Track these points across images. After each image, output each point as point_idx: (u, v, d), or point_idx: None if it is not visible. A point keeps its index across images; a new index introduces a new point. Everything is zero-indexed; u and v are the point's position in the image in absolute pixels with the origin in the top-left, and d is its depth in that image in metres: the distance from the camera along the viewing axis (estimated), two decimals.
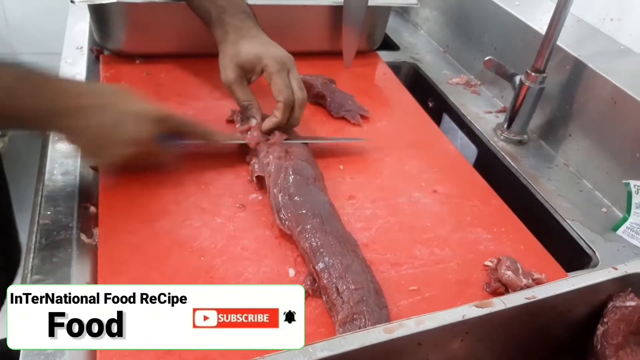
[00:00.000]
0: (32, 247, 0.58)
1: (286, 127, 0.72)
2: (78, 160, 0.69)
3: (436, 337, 0.44)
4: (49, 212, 0.62)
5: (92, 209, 0.63)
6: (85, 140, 0.60)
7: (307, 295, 0.55)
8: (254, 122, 0.72)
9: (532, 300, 0.46)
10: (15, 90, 0.54)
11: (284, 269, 0.58)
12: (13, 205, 1.84)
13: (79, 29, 0.98)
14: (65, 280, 0.54)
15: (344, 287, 0.53)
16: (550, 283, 0.49)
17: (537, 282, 0.58)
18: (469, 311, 0.44)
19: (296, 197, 0.62)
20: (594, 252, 0.69)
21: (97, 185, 0.66)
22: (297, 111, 0.71)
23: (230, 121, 0.78)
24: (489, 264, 0.61)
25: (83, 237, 0.59)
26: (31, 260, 0.56)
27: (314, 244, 0.57)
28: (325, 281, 0.54)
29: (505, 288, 0.58)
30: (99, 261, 0.56)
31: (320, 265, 0.55)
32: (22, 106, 0.55)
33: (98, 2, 0.83)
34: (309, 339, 0.50)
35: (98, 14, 0.87)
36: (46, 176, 0.67)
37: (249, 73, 0.73)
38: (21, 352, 0.47)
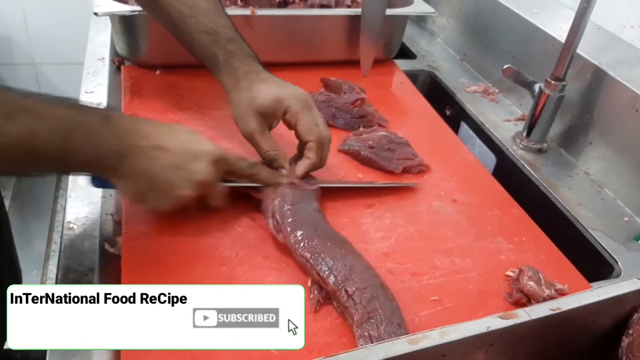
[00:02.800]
0: (57, 255, 0.58)
1: (318, 167, 0.68)
2: None
3: (460, 348, 0.44)
4: (73, 221, 0.63)
5: (116, 218, 0.64)
6: (143, 184, 0.56)
7: (319, 304, 0.55)
8: (283, 172, 0.66)
9: (557, 311, 0.46)
10: (72, 131, 0.50)
11: (305, 277, 0.58)
12: (29, 212, 1.86)
13: (100, 40, 1.00)
14: None
15: (353, 288, 0.54)
16: (575, 294, 0.48)
17: (560, 293, 0.58)
18: (494, 322, 0.43)
19: (288, 206, 0.62)
20: (616, 262, 0.68)
21: (120, 195, 0.66)
22: (326, 150, 0.68)
23: None
24: (511, 274, 0.61)
25: (107, 246, 0.60)
26: (49, 267, 0.57)
27: (312, 249, 0.57)
28: (332, 286, 0.54)
29: (527, 299, 0.58)
30: (122, 270, 0.57)
31: (325, 270, 0.55)
32: (79, 148, 0.50)
33: (120, 14, 0.84)
34: (330, 349, 0.50)
35: (120, 25, 0.88)
36: (69, 185, 0.68)
37: (270, 119, 0.67)
38: (47, 353, 0.48)
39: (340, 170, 0.75)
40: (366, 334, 0.51)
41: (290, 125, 0.67)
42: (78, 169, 0.56)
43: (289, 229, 0.60)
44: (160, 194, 0.57)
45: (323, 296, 0.56)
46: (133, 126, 0.55)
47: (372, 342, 0.50)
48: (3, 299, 0.67)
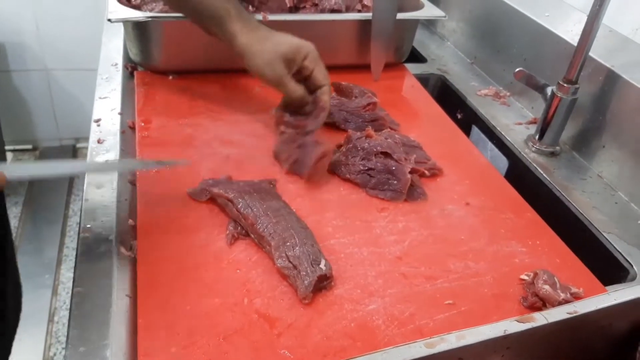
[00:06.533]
0: (69, 259, 0.59)
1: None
2: (116, 174, 0.71)
3: (477, 352, 0.44)
4: (89, 226, 0.63)
5: (131, 222, 0.64)
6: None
7: (234, 238, 0.61)
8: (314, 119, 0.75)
9: (574, 315, 0.46)
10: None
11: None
12: (41, 217, 1.88)
13: (113, 46, 1.01)
14: (107, 291, 0.55)
15: (267, 222, 0.61)
16: (592, 297, 0.48)
17: (575, 297, 0.57)
18: (510, 326, 0.43)
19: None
20: (631, 265, 0.68)
21: (135, 199, 0.67)
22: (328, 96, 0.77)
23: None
24: (525, 277, 0.60)
25: (122, 249, 0.61)
26: (61, 271, 0.57)
27: (237, 194, 0.65)
28: (251, 219, 0.61)
29: (542, 302, 0.57)
30: (139, 274, 0.57)
31: (242, 206, 0.62)
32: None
33: (134, 20, 0.85)
34: (346, 353, 0.50)
35: (133, 31, 0.89)
36: (85, 189, 0.68)
37: (292, 63, 0.74)
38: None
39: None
40: (284, 255, 0.58)
41: (304, 71, 0.75)
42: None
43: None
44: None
45: (239, 231, 0.62)
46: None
47: (289, 262, 0.57)
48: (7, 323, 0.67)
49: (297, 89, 0.74)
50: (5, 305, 0.69)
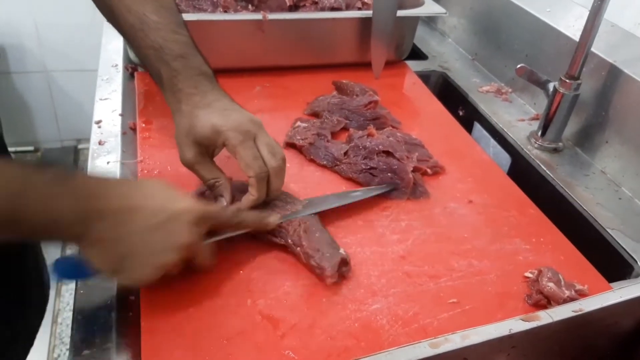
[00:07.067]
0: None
1: (268, 199, 0.64)
2: (117, 176, 0.71)
3: (482, 351, 0.44)
4: None
5: None
6: (115, 252, 0.49)
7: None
8: (223, 201, 0.63)
9: (580, 313, 0.46)
10: (22, 193, 0.44)
11: (322, 281, 0.58)
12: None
13: (113, 47, 1.00)
14: (110, 294, 0.55)
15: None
16: (597, 295, 0.48)
17: (580, 294, 0.57)
18: (516, 325, 0.43)
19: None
20: (636, 262, 0.67)
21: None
22: (275, 182, 0.62)
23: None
24: (530, 275, 0.60)
25: None
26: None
27: None
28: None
29: (547, 300, 0.57)
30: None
31: None
32: (32, 211, 0.44)
33: None
34: (350, 353, 0.50)
35: None
36: None
37: (210, 148, 0.64)
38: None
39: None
40: (306, 239, 0.59)
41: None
42: (35, 235, 0.51)
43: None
44: (137, 262, 0.50)
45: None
46: (96, 189, 0.49)
47: (314, 244, 0.58)
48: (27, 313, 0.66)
49: (206, 178, 0.63)
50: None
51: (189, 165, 0.63)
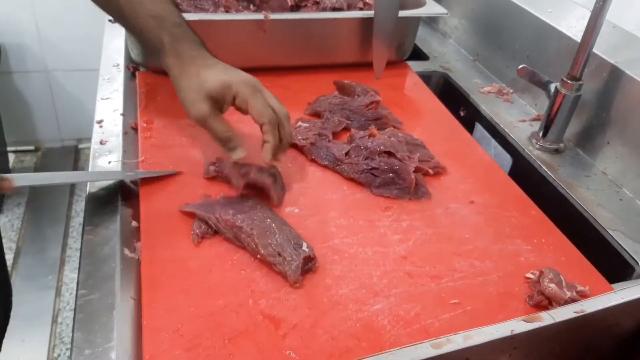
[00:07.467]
0: (73, 260, 0.59)
1: (282, 146, 0.69)
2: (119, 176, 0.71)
3: (484, 352, 0.44)
4: (92, 227, 0.63)
5: (134, 223, 0.64)
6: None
7: (199, 238, 0.61)
8: (240, 152, 0.68)
9: (581, 314, 0.46)
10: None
11: (323, 281, 0.58)
12: (44, 218, 1.88)
13: (114, 47, 1.00)
14: (111, 293, 0.55)
15: (243, 216, 0.62)
16: (599, 296, 0.48)
17: (582, 295, 0.57)
18: (517, 326, 0.43)
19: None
20: (637, 263, 0.67)
21: (138, 200, 0.67)
22: (287, 126, 0.68)
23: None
24: (531, 276, 0.60)
25: (126, 251, 0.60)
26: (64, 272, 0.56)
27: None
28: (230, 218, 0.62)
29: (548, 301, 0.57)
30: (143, 276, 0.57)
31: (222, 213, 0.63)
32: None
33: None
34: (351, 354, 0.50)
35: None
36: (87, 191, 0.68)
37: (220, 103, 0.67)
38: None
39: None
40: (266, 244, 0.59)
41: (242, 111, 0.68)
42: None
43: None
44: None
45: (203, 231, 0.62)
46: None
47: (273, 249, 0.58)
48: None
49: (220, 131, 0.67)
50: None
51: (203, 120, 0.67)
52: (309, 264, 0.59)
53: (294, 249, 0.58)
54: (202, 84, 0.66)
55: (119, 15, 0.71)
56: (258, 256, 0.59)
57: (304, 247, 0.59)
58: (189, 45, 0.69)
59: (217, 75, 0.67)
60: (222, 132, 0.67)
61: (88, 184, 0.69)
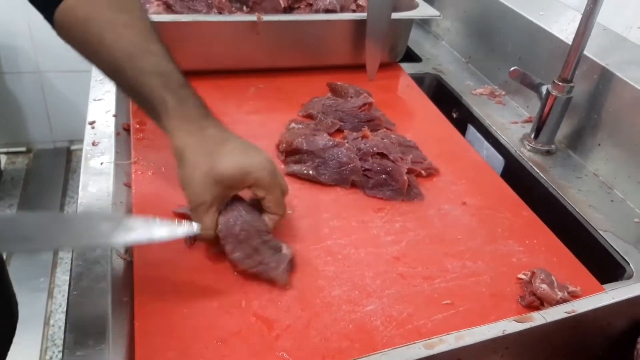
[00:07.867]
0: (65, 262, 0.58)
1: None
2: (111, 177, 0.70)
3: (476, 352, 0.44)
4: None
5: None
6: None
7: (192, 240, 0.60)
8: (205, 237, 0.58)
9: (573, 314, 0.46)
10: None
11: (316, 282, 0.58)
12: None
13: None
14: (104, 295, 0.55)
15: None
16: (590, 296, 0.48)
17: (573, 295, 0.57)
18: (509, 326, 0.43)
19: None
20: (628, 264, 0.68)
21: (130, 202, 0.67)
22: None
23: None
24: (523, 276, 0.60)
25: (118, 253, 0.60)
26: (57, 274, 0.56)
27: None
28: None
29: (540, 301, 0.57)
30: (135, 277, 0.57)
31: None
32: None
33: None
34: (344, 354, 0.50)
35: None
36: (80, 192, 0.68)
37: (228, 190, 0.58)
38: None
39: None
40: (243, 254, 0.57)
41: (255, 195, 0.60)
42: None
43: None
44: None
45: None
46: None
47: (252, 259, 0.57)
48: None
49: (206, 227, 0.57)
50: None
51: (199, 206, 0.57)
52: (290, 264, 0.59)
53: (273, 254, 0.58)
54: (215, 165, 0.56)
55: (112, 69, 0.59)
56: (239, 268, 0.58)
57: (284, 250, 0.59)
58: (197, 111, 0.58)
59: (233, 157, 0.57)
60: (207, 230, 0.57)
61: (80, 185, 0.69)
